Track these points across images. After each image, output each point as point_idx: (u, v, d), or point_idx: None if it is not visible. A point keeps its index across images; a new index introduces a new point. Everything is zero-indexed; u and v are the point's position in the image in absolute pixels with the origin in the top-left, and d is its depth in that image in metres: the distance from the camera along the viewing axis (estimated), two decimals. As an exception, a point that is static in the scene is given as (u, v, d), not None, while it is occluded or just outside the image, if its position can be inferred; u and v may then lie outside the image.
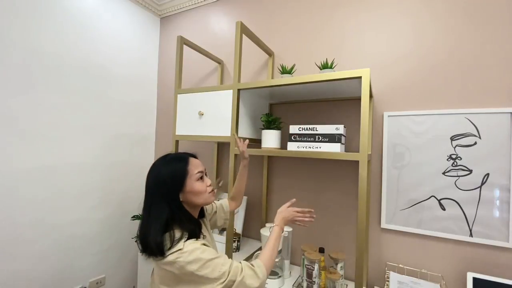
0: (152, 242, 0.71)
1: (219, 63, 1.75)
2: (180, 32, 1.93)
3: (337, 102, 1.34)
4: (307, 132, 1.08)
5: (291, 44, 1.50)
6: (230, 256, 1.17)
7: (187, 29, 1.96)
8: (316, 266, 1.08)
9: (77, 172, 1.57)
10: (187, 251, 0.69)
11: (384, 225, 1.20)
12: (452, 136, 1.08)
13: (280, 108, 1.52)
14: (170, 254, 0.69)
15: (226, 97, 1.22)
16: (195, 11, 1.93)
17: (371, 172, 1.24)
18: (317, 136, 1.05)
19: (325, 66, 1.10)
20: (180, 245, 0.71)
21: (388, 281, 1.08)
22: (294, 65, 1.28)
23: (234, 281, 0.70)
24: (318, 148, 1.04)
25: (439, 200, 1.10)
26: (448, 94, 1.11)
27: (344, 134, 1.10)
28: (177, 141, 1.42)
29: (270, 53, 1.51)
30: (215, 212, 1.07)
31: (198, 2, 1.89)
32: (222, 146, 1.77)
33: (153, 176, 0.81)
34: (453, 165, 1.07)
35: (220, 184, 1.68)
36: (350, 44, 1.33)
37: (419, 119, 1.15)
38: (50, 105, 1.43)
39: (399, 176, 1.18)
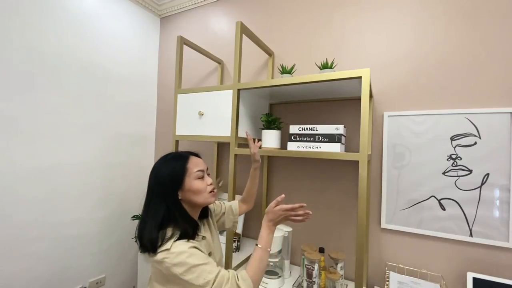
0: (146, 238, 0.73)
1: (219, 63, 1.75)
2: (180, 32, 1.93)
3: (337, 102, 1.34)
4: (307, 132, 1.08)
5: (291, 44, 1.50)
6: (230, 256, 1.17)
7: (187, 29, 1.96)
8: (316, 266, 1.08)
9: (77, 172, 1.57)
10: (174, 253, 0.69)
11: (384, 225, 1.20)
12: (452, 136, 1.08)
13: (280, 108, 1.52)
14: (159, 252, 0.70)
15: (226, 97, 1.22)
16: (195, 11, 1.93)
17: (371, 172, 1.24)
18: (317, 136, 1.05)
19: (325, 66, 1.10)
20: (168, 244, 0.70)
21: (388, 281, 1.08)
22: (294, 65, 1.28)
23: None
24: (318, 148, 1.04)
25: (439, 200, 1.10)
26: (448, 94, 1.11)
27: (344, 134, 1.10)
28: (177, 141, 1.42)
29: (270, 53, 1.51)
30: (224, 213, 1.06)
31: (198, 2, 1.89)
32: (222, 146, 1.77)
33: (153, 174, 0.82)
34: (453, 165, 1.07)
35: (220, 184, 1.68)
36: (350, 44, 1.33)
37: (419, 119, 1.15)
38: (50, 105, 1.43)
39: (399, 176, 1.18)
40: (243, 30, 1.20)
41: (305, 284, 1.12)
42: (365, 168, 0.85)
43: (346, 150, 1.23)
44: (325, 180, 1.37)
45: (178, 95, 1.41)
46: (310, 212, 0.83)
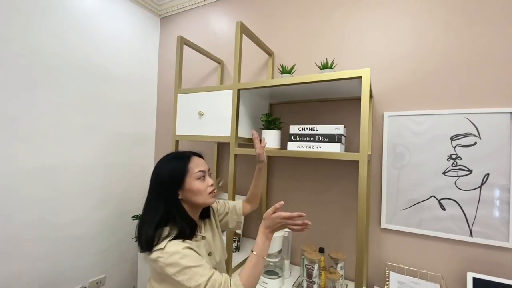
0: (143, 237, 0.73)
1: (219, 63, 1.75)
2: (180, 32, 1.93)
3: (337, 102, 1.34)
4: (307, 132, 1.08)
5: (291, 44, 1.50)
6: (230, 256, 1.17)
7: (187, 29, 1.96)
8: (316, 266, 1.08)
9: (77, 172, 1.57)
10: (168, 252, 0.69)
11: (384, 225, 1.20)
12: (452, 136, 1.08)
13: (280, 108, 1.52)
14: (154, 251, 0.70)
15: (226, 97, 1.22)
16: (195, 11, 1.93)
17: (371, 172, 1.24)
18: (317, 136, 1.05)
19: (325, 66, 1.10)
20: (162, 244, 0.70)
21: (388, 281, 1.08)
22: (294, 65, 1.28)
23: None
24: (318, 148, 1.04)
25: (439, 200, 1.10)
26: (448, 94, 1.11)
27: (344, 134, 1.10)
28: (177, 141, 1.42)
29: (270, 53, 1.51)
30: (227, 213, 1.05)
31: (198, 2, 1.89)
32: (222, 146, 1.77)
33: (155, 173, 0.82)
34: (453, 165, 1.07)
35: (220, 184, 1.68)
36: (350, 44, 1.33)
37: (419, 119, 1.15)
38: (50, 105, 1.43)
39: (399, 176, 1.18)
40: (243, 30, 1.20)
41: (305, 284, 1.12)
42: (365, 168, 0.85)
43: (346, 150, 1.23)
44: (325, 180, 1.37)
45: (178, 95, 1.41)
46: (309, 223, 0.79)
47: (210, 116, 1.28)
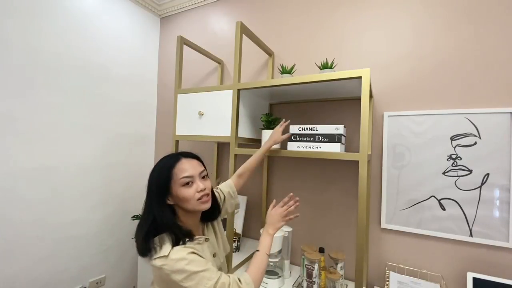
0: (137, 242, 0.73)
1: (219, 63, 1.75)
2: (180, 32, 1.93)
3: (337, 102, 1.34)
4: (307, 132, 1.08)
5: (291, 44, 1.50)
6: (230, 256, 1.17)
7: (187, 29, 1.96)
8: (316, 266, 1.08)
9: (77, 172, 1.57)
10: (173, 259, 0.67)
11: (384, 225, 1.20)
12: (452, 136, 1.08)
13: (280, 108, 1.52)
14: (157, 258, 0.68)
15: (226, 97, 1.22)
16: (195, 11, 1.93)
17: (371, 172, 1.24)
18: (317, 136, 1.05)
19: (325, 66, 1.10)
20: (166, 250, 0.68)
21: (388, 281, 1.08)
22: (294, 65, 1.28)
23: None
24: (318, 148, 1.04)
25: (439, 200, 1.10)
26: (448, 94, 1.11)
27: (344, 134, 1.10)
28: (177, 141, 1.42)
29: (270, 53, 1.51)
30: (224, 201, 1.02)
31: (198, 2, 1.89)
32: (222, 146, 1.77)
33: (148, 178, 0.80)
34: (453, 165, 1.07)
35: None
36: (350, 44, 1.33)
37: (419, 119, 1.15)
38: (50, 105, 1.43)
39: (399, 176, 1.18)
40: (243, 30, 1.20)
41: (305, 284, 1.12)
42: (365, 168, 0.85)
43: (346, 150, 1.23)
44: (325, 180, 1.37)
45: (178, 95, 1.41)
46: (297, 198, 0.94)
47: (210, 116, 1.28)
